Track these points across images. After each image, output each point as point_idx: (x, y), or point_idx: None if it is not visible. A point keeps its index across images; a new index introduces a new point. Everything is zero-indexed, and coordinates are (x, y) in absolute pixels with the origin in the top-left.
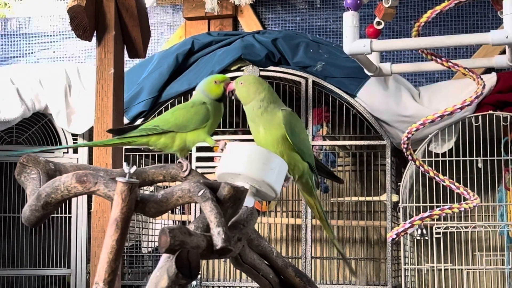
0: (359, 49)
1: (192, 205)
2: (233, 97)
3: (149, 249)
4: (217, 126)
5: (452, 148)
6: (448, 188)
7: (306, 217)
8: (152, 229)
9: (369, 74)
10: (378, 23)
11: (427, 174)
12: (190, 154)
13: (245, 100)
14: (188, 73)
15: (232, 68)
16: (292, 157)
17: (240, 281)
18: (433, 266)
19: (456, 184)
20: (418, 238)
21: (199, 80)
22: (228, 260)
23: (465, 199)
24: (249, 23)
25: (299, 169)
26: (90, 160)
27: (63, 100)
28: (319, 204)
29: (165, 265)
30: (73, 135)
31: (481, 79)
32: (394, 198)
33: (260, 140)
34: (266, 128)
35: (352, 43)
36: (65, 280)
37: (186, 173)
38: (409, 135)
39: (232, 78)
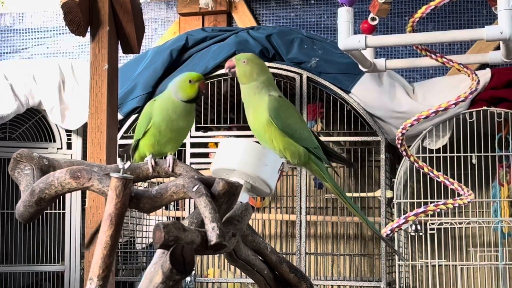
0: (354, 45)
1: (186, 201)
2: (229, 75)
3: (143, 245)
4: (185, 132)
5: (446, 144)
6: (442, 184)
7: (300, 213)
8: (146, 225)
9: (363, 70)
10: (373, 19)
11: (421, 170)
12: (184, 150)
13: (245, 80)
14: (182, 69)
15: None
16: (282, 141)
17: (234, 277)
18: (427, 262)
19: (451, 180)
20: (412, 234)
21: None
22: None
23: (459, 195)
24: (243, 19)
25: (293, 153)
26: (84, 156)
27: (57, 96)
28: (334, 185)
29: (160, 261)
30: (67, 131)
31: (476, 74)
32: (388, 194)
33: (251, 123)
34: (255, 111)
35: (347, 38)
36: (59, 276)
37: (170, 168)
38: (404, 131)
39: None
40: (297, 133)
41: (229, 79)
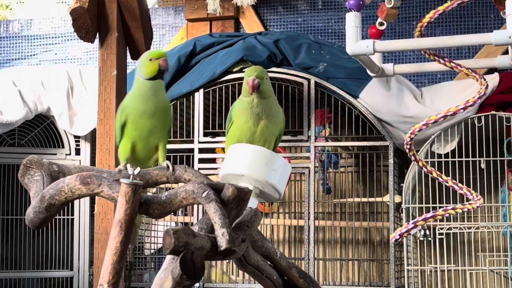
0: (362, 50)
1: (195, 206)
2: (255, 92)
3: (152, 251)
4: (163, 117)
5: (454, 148)
6: (451, 188)
7: (309, 218)
8: (154, 230)
9: (371, 75)
10: (381, 24)
11: (430, 175)
12: (192, 156)
13: (267, 95)
14: (190, 75)
15: (234, 70)
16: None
17: (243, 283)
18: (436, 267)
19: (459, 184)
20: (421, 239)
21: (201, 81)
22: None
23: (468, 200)
24: (250, 24)
25: None
26: (92, 162)
27: (65, 102)
28: None
29: (170, 267)
30: (75, 137)
31: (484, 79)
32: (397, 199)
33: (259, 132)
34: (269, 122)
35: (355, 43)
36: (68, 282)
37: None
38: (412, 136)
39: (235, 80)
40: None
41: (237, 84)
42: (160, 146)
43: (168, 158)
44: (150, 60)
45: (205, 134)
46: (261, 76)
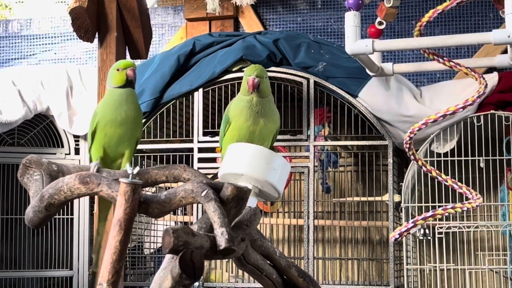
0: (361, 49)
1: (194, 205)
2: (256, 91)
3: (152, 250)
4: (133, 127)
5: (454, 147)
6: (450, 187)
7: (308, 218)
8: (154, 230)
9: (370, 74)
10: (380, 23)
11: (429, 174)
12: (192, 155)
13: (266, 94)
14: (190, 74)
15: (233, 69)
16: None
17: (243, 282)
18: (436, 266)
19: (459, 183)
20: (421, 238)
21: (200, 81)
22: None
23: (467, 199)
24: (250, 24)
25: None
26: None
27: (65, 101)
28: None
29: (169, 266)
30: (75, 136)
31: (483, 78)
32: (396, 198)
33: (258, 131)
34: (267, 121)
35: (354, 43)
36: (68, 282)
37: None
38: (412, 135)
39: (234, 79)
40: None
41: (236, 84)
42: (126, 153)
43: (167, 157)
44: (118, 70)
45: (205, 134)
46: (261, 75)
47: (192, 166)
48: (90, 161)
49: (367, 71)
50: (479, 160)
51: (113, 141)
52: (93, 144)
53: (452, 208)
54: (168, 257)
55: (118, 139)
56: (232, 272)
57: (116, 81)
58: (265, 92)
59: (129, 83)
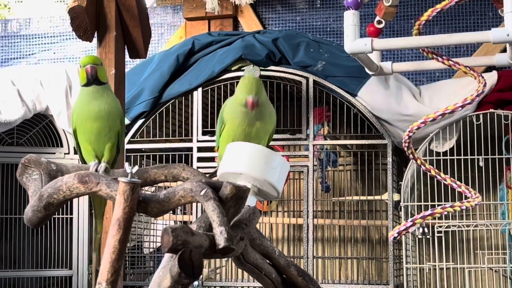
0: (360, 48)
1: (193, 205)
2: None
3: (151, 250)
4: (110, 121)
5: (453, 146)
6: (449, 186)
7: (307, 217)
8: (153, 229)
9: (370, 73)
10: (379, 22)
11: (428, 173)
12: (191, 154)
13: (264, 96)
14: (189, 73)
15: (232, 68)
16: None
17: (242, 281)
18: (435, 265)
19: (458, 182)
20: (420, 237)
21: (199, 80)
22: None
23: (466, 198)
24: (249, 23)
25: None
26: None
27: (64, 101)
28: None
29: (168, 265)
30: None
31: (482, 77)
32: (396, 197)
33: (256, 131)
34: (265, 121)
35: (353, 42)
36: (67, 281)
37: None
38: (410, 134)
39: (233, 78)
40: None
41: (235, 83)
42: (106, 147)
43: (167, 157)
44: (81, 67)
45: (204, 133)
46: (260, 92)
47: (191, 165)
48: (83, 161)
49: (366, 70)
50: (478, 159)
51: (93, 136)
52: (79, 142)
53: (451, 207)
54: (167, 256)
55: (97, 133)
56: (232, 272)
57: (81, 79)
58: (262, 99)
59: (92, 79)
